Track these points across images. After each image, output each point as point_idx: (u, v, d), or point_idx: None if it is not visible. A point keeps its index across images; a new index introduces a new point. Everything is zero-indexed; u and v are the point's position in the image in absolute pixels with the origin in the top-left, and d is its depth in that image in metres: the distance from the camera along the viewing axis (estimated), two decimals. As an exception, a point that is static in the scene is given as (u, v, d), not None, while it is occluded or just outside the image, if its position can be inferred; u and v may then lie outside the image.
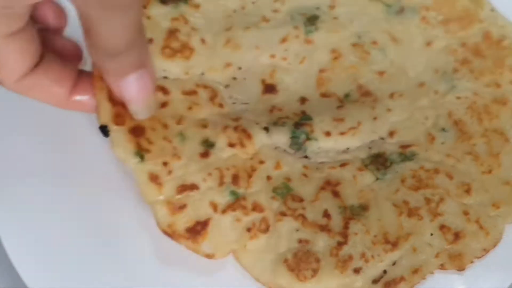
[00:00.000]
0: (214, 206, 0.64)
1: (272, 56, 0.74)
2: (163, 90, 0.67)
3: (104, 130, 0.64)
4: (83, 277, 0.65)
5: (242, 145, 0.67)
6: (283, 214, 0.65)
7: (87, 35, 0.49)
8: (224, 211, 0.64)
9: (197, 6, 0.73)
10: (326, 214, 0.65)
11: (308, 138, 0.69)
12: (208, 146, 0.67)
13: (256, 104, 0.71)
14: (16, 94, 0.57)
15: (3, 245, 0.65)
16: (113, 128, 0.63)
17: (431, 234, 0.64)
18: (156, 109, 0.65)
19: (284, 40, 0.74)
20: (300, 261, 0.63)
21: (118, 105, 0.62)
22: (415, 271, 0.63)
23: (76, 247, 0.66)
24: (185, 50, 0.70)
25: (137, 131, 0.64)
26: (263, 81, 0.72)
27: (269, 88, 0.72)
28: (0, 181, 0.67)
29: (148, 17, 0.69)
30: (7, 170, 0.68)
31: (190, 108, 0.68)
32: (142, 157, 0.64)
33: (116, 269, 0.66)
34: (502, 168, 0.66)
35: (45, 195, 0.68)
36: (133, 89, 0.55)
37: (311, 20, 0.76)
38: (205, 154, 0.66)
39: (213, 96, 0.70)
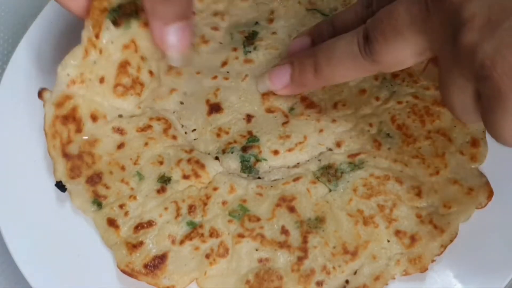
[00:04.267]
0: (172, 239, 0.65)
1: (214, 77, 0.74)
2: (120, 131, 0.69)
3: (60, 186, 0.67)
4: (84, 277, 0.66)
5: (197, 175, 0.68)
6: (241, 236, 0.65)
7: None
8: (182, 242, 0.65)
9: (146, 24, 0.70)
10: (284, 231, 0.65)
11: (257, 160, 0.69)
12: (164, 181, 0.68)
13: (204, 129, 0.72)
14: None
15: (7, 245, 0.66)
16: (69, 182, 0.67)
17: (388, 241, 0.65)
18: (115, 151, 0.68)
19: (224, 64, 0.76)
20: (262, 280, 0.63)
21: (72, 158, 0.66)
22: (377, 278, 0.63)
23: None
24: (136, 86, 0.70)
25: (93, 180, 0.67)
26: (207, 102, 0.73)
27: (215, 108, 0.72)
28: (3, 182, 0.69)
29: (100, 51, 0.67)
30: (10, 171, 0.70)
31: (146, 144, 0.69)
32: (99, 205, 0.67)
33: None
34: (449, 168, 0.67)
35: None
36: (175, 37, 0.63)
37: (250, 38, 0.77)
38: (162, 190, 0.67)
39: (167, 128, 0.71)
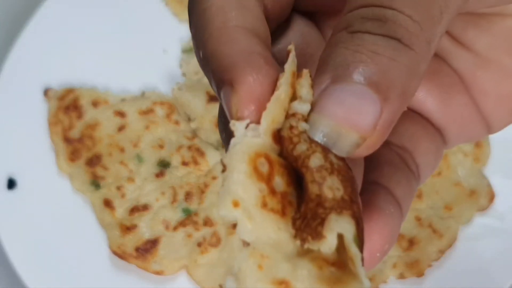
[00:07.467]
0: (166, 224, 0.65)
1: None
2: (121, 114, 0.70)
3: (10, 182, 0.67)
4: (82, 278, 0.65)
5: (196, 163, 0.68)
6: (235, 227, 0.65)
7: None
8: (175, 228, 0.65)
9: None
10: None
11: None
12: (163, 166, 0.68)
13: (203, 117, 0.71)
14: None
15: (3, 246, 0.65)
16: (70, 165, 0.68)
17: None
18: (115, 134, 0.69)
19: None
20: None
21: (73, 143, 0.68)
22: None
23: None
24: None
25: (93, 161, 0.68)
26: (207, 93, 0.72)
27: (215, 98, 0.71)
28: (1, 183, 0.68)
29: None
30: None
31: (147, 127, 0.69)
32: (97, 185, 0.67)
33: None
34: (451, 170, 0.65)
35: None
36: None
37: None
38: (160, 174, 0.67)
39: (170, 112, 0.71)
